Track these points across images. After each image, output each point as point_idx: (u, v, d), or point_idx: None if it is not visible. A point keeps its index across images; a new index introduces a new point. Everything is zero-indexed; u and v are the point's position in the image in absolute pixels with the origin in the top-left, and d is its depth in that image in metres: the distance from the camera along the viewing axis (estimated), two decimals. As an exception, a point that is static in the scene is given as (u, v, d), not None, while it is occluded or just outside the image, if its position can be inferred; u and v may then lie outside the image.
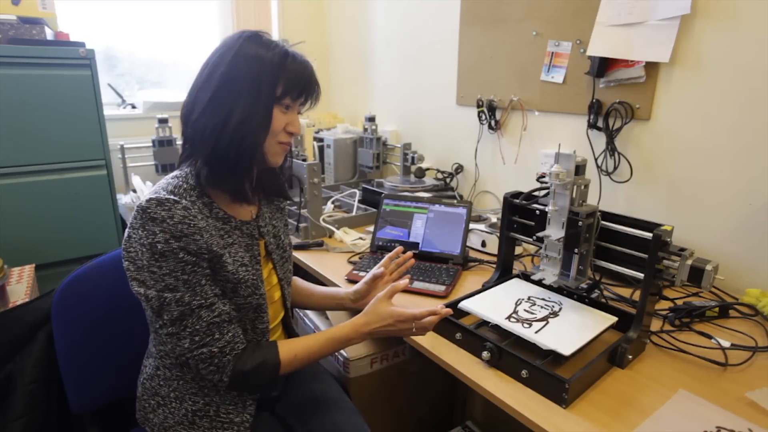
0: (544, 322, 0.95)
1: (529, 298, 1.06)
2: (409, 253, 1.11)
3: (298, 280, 1.15)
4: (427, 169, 1.95)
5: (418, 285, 1.21)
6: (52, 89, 1.62)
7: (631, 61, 1.29)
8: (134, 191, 1.87)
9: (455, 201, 1.43)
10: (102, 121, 1.72)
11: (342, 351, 1.24)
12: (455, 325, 0.97)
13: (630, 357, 0.89)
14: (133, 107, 2.27)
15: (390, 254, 1.10)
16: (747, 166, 1.16)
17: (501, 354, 0.88)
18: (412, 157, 1.93)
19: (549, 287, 1.10)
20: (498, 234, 1.23)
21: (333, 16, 2.56)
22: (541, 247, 1.03)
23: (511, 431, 1.18)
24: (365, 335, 0.91)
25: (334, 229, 1.56)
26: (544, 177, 1.22)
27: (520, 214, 1.12)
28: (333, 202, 1.83)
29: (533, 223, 1.07)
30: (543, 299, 1.06)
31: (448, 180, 1.90)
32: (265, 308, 0.91)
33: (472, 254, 1.41)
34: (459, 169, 1.90)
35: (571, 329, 0.93)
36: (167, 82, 2.48)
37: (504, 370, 0.88)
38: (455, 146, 1.94)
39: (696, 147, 1.24)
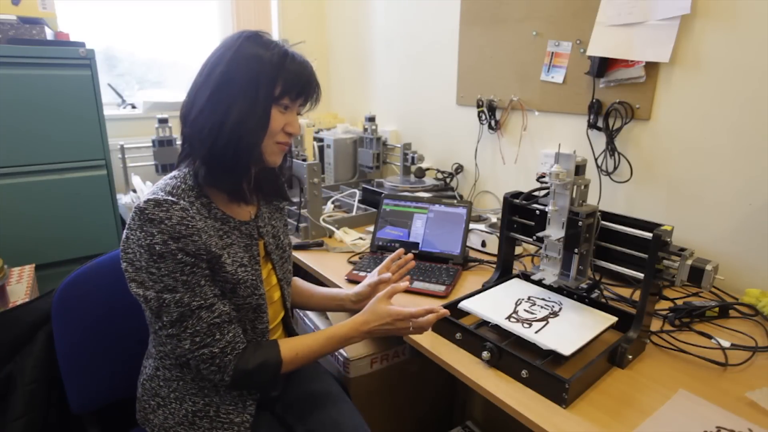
0: (544, 322, 0.95)
1: (529, 298, 1.06)
2: (410, 255, 1.11)
3: (298, 281, 1.15)
4: (427, 169, 1.95)
5: (418, 285, 1.21)
6: (52, 89, 1.62)
7: (631, 61, 1.29)
8: (134, 191, 1.87)
9: (455, 201, 1.43)
10: (102, 121, 1.72)
11: (342, 351, 1.24)
12: (455, 325, 0.97)
13: (630, 357, 0.89)
14: (133, 107, 2.27)
15: (391, 256, 1.10)
16: (747, 166, 1.16)
17: (501, 354, 0.88)
18: (412, 157, 1.93)
19: (549, 287, 1.10)
20: (498, 234, 1.23)
21: (333, 16, 2.56)
22: (541, 247, 1.03)
23: (511, 431, 1.18)
24: (365, 334, 0.91)
25: (334, 229, 1.56)
26: (544, 177, 1.22)
27: (520, 214, 1.12)
28: (333, 202, 1.83)
29: (533, 223, 1.07)
30: (543, 299, 1.06)
31: (448, 180, 1.90)
32: (264, 308, 0.91)
33: (472, 254, 1.41)
34: (459, 169, 1.90)
35: (571, 329, 0.93)
36: (167, 82, 2.47)
37: (504, 370, 0.88)
38: (455, 146, 1.93)
39: (696, 147, 1.24)
